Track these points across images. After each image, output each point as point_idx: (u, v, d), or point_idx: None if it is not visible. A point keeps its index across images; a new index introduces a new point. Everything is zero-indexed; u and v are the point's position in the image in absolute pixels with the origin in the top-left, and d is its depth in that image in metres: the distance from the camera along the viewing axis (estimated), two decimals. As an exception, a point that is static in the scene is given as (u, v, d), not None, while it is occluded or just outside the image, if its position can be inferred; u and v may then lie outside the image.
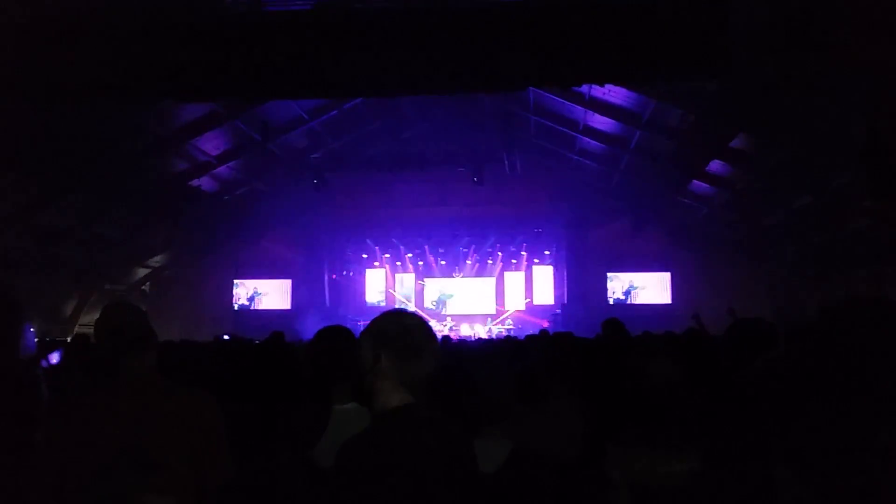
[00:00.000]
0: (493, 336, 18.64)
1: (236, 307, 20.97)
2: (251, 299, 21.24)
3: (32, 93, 9.23)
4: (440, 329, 20.34)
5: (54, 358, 4.50)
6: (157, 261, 20.30)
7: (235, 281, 21.16)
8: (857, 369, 1.42)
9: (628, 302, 20.00)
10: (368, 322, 1.94)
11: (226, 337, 11.79)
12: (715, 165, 14.40)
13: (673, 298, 19.62)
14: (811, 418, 1.47)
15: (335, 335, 2.55)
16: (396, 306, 19.49)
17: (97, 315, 2.49)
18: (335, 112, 16.66)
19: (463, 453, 1.73)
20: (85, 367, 4.09)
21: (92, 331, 2.61)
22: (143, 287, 20.59)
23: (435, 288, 22.56)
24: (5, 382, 1.80)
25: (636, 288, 20.11)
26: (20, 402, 1.81)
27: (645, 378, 2.35)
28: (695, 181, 15.69)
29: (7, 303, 1.92)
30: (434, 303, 22.29)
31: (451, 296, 22.34)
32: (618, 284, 20.22)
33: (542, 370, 2.51)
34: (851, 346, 1.44)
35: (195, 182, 16.53)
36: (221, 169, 16.87)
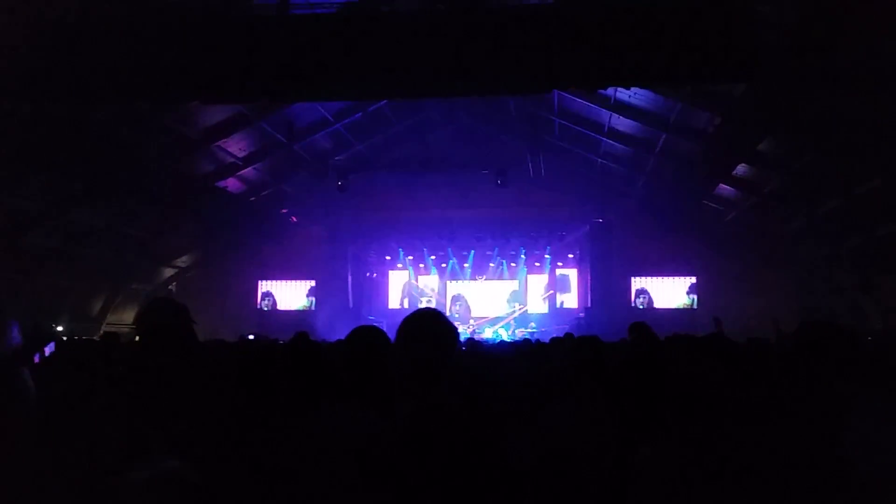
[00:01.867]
0: (516, 339, 18.59)
1: (263, 308, 21.13)
2: (275, 300, 21.39)
3: (61, 94, 9.39)
4: (462, 330, 20.34)
5: (48, 350, 4.57)
6: (183, 261, 20.55)
7: (260, 282, 21.34)
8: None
9: (652, 306, 19.84)
10: (390, 322, 1.96)
11: (251, 337, 11.89)
12: (742, 169, 14.25)
13: (698, 303, 19.46)
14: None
15: (368, 335, 2.55)
16: (419, 307, 19.49)
17: (124, 313, 2.52)
18: (359, 114, 16.74)
19: (490, 450, 1.72)
20: (80, 364, 4.11)
21: (121, 329, 2.64)
22: (170, 287, 20.85)
23: (456, 290, 22.56)
24: None
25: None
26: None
27: (675, 379, 2.33)
28: (721, 184, 15.53)
29: None
30: (454, 305, 22.27)
31: (461, 296, 22.31)
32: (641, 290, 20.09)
33: (568, 371, 2.50)
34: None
35: (221, 183, 16.71)
36: (247, 170, 17.03)
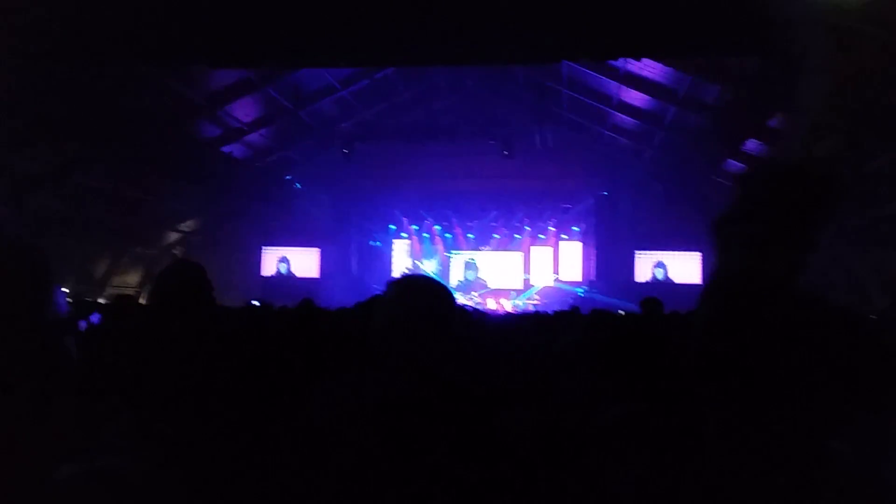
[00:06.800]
0: (519, 311, 18.63)
1: (267, 273, 21.14)
2: (279, 266, 21.40)
3: (66, 56, 9.30)
4: (465, 302, 20.39)
5: (94, 319, 4.56)
6: (188, 225, 20.53)
7: (264, 248, 21.32)
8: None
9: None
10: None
11: (255, 303, 11.91)
12: (752, 145, 14.11)
13: (703, 279, 19.36)
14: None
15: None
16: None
17: (128, 276, 2.52)
18: (366, 81, 16.61)
19: (479, 424, 1.69)
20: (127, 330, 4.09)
21: (130, 292, 2.64)
22: (174, 251, 20.86)
23: (461, 261, 22.56)
24: (30, 344, 1.75)
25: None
26: (43, 363, 1.76)
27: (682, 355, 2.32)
28: (730, 160, 15.40)
29: (35, 264, 1.84)
30: (460, 277, 22.31)
31: (475, 270, 22.29)
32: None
33: (578, 346, 2.50)
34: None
35: (227, 148, 16.64)
36: (252, 136, 16.95)
